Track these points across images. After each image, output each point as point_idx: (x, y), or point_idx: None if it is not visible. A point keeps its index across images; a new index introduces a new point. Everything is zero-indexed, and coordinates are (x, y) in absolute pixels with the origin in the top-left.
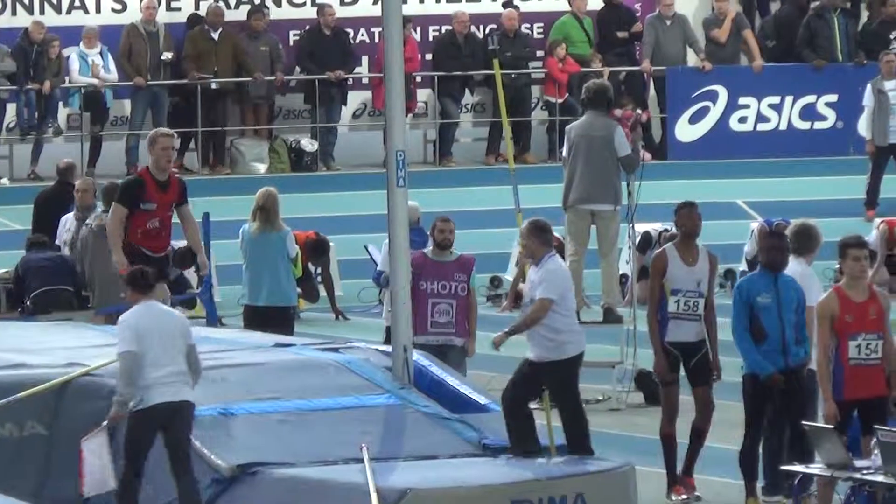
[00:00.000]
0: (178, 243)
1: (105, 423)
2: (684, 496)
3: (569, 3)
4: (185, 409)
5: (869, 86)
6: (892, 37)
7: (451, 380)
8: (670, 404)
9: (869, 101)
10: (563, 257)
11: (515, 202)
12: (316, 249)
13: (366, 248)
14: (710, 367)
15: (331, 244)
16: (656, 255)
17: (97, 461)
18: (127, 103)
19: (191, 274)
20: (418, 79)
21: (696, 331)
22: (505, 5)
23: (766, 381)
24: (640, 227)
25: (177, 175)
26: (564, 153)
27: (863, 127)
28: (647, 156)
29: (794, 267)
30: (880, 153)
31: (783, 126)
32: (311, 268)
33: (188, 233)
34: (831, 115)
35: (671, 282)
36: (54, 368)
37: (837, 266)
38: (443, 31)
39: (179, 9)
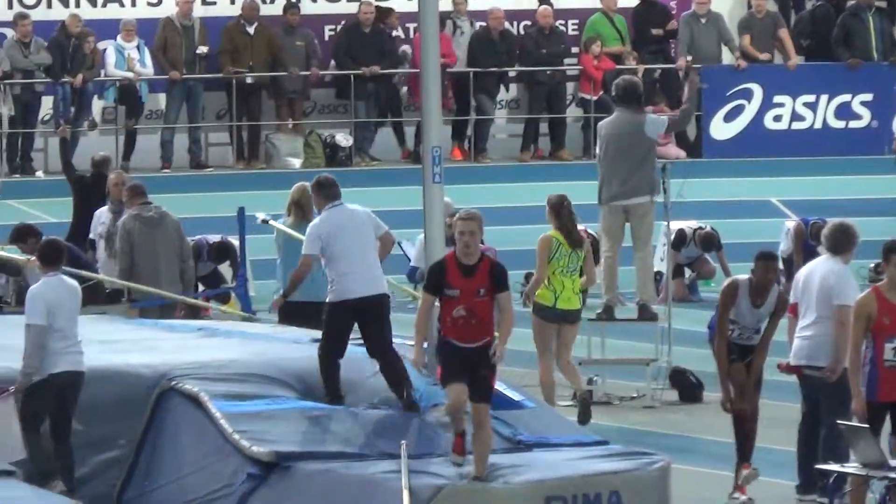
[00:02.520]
0: (212, 237)
1: (11, 390)
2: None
3: (601, 0)
4: (81, 380)
5: None
6: None
7: None
8: (736, 379)
9: None
10: (597, 253)
11: None
12: None
13: (399, 244)
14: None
15: None
16: (728, 286)
17: (4, 430)
18: (162, 97)
19: (225, 269)
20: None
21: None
22: (541, 1)
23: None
24: (675, 225)
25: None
26: (597, 151)
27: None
28: (682, 153)
29: (830, 265)
30: None
31: (818, 125)
32: None
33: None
34: (866, 115)
35: (735, 314)
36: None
37: (872, 265)
38: (478, 27)
39: (215, 3)
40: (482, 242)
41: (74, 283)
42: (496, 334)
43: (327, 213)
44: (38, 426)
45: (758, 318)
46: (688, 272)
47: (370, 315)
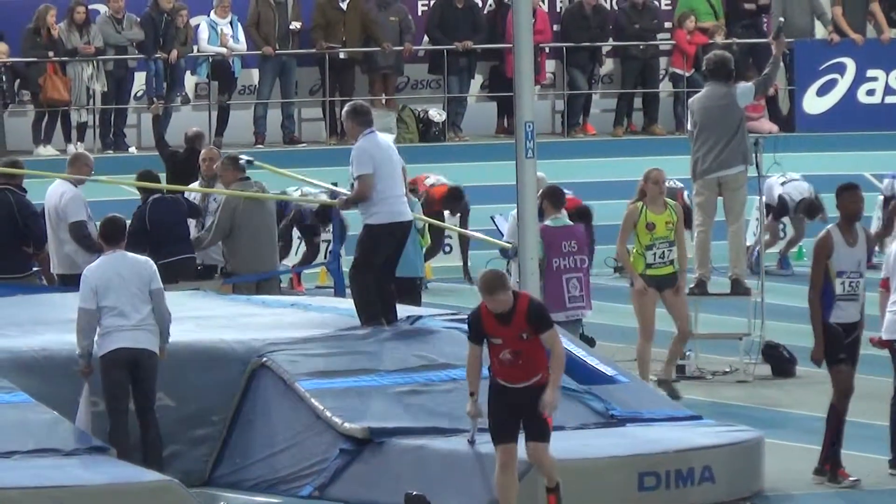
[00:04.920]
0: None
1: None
2: (852, 478)
3: None
4: (145, 358)
5: None
6: None
7: (579, 351)
8: (842, 382)
9: None
10: (690, 227)
11: None
12: (450, 197)
13: (492, 219)
14: (859, 348)
15: (466, 195)
16: (821, 238)
17: (83, 413)
18: (255, 72)
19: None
20: (546, 50)
21: (857, 311)
22: None
23: None
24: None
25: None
26: (689, 127)
27: None
28: (775, 127)
29: None
30: None
31: None
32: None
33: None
34: None
35: (836, 264)
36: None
37: None
38: (572, 2)
39: None
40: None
41: (140, 259)
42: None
43: (367, 139)
44: (119, 405)
45: (856, 258)
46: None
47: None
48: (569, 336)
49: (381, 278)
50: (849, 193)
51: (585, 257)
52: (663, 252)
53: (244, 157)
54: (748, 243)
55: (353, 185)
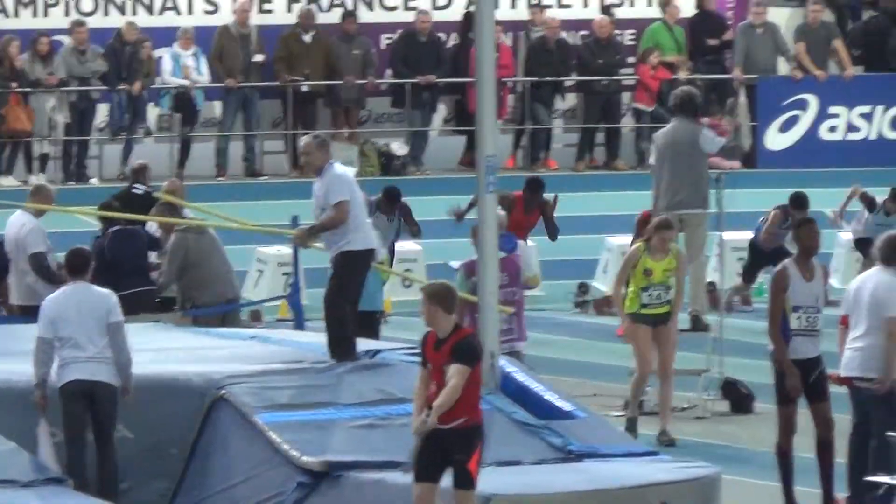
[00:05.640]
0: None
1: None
2: None
3: (662, 10)
4: (100, 389)
5: None
6: None
7: (537, 386)
8: (789, 421)
9: None
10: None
11: None
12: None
13: (449, 265)
14: (827, 383)
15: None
16: (777, 272)
17: (45, 445)
18: (218, 105)
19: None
20: (509, 84)
21: (816, 346)
22: (604, 11)
23: None
24: (729, 236)
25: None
26: (652, 161)
27: None
28: (737, 164)
29: (881, 277)
30: None
31: (873, 136)
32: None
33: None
34: None
35: (793, 299)
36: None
37: None
38: (531, 36)
39: (272, 11)
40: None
41: (101, 291)
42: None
43: (335, 169)
44: (77, 436)
45: (813, 293)
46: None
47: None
48: (525, 369)
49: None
50: (806, 228)
51: (517, 289)
52: (659, 294)
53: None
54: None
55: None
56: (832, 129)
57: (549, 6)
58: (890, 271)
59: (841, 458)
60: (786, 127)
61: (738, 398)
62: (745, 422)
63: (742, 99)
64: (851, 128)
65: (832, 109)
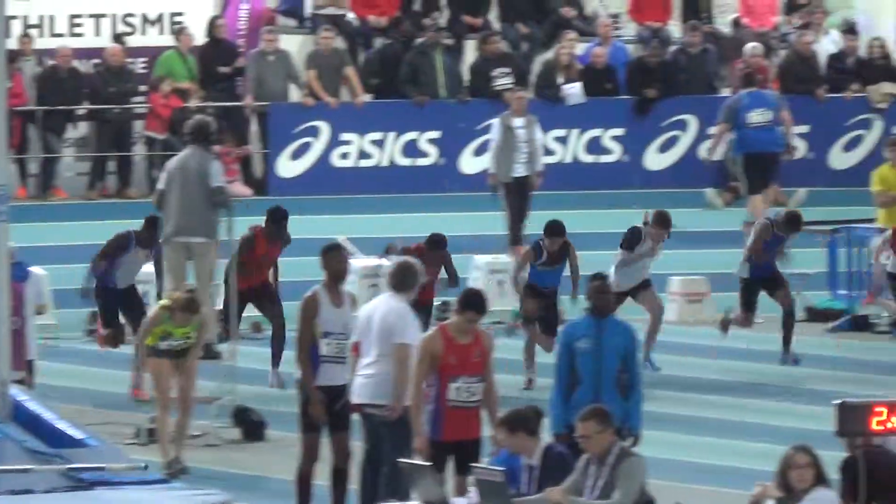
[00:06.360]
0: None
1: None
2: None
3: (175, 38)
4: None
5: (498, 121)
6: (493, 73)
7: (48, 414)
8: (312, 449)
9: (497, 136)
10: None
11: None
12: None
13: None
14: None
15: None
16: (307, 298)
17: None
18: None
19: None
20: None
21: (344, 374)
22: (116, 39)
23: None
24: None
25: None
26: (160, 185)
27: (488, 162)
28: (248, 191)
29: (392, 304)
30: (509, 189)
31: (385, 162)
32: None
33: None
34: (433, 152)
35: (322, 325)
36: None
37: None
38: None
39: None
40: None
41: None
42: None
43: None
44: None
45: (342, 320)
46: None
47: None
48: (36, 398)
49: None
50: (333, 254)
51: (22, 318)
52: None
53: None
54: None
55: None
56: (344, 155)
57: (60, 34)
58: (400, 297)
59: (354, 484)
60: (298, 154)
61: (250, 425)
62: (257, 449)
63: (254, 127)
64: (363, 154)
65: (344, 136)
